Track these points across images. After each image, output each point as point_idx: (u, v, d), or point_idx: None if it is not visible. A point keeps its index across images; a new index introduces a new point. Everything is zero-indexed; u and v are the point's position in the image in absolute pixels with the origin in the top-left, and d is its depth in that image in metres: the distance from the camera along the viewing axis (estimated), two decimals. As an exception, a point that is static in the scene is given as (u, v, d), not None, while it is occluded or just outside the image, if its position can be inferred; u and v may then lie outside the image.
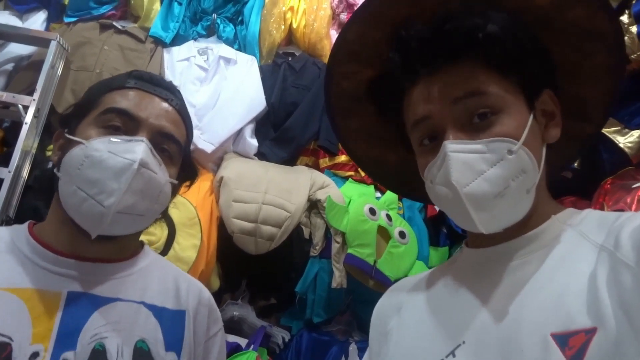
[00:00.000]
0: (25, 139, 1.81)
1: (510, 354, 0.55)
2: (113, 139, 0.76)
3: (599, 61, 0.69)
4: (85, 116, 0.81)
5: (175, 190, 0.88)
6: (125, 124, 0.79)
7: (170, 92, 0.86)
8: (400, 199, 2.18)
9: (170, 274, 0.92)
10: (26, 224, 0.82)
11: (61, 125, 0.84)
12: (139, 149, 0.76)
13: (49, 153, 1.88)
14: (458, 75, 0.64)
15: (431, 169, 0.66)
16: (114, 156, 0.74)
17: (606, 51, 0.68)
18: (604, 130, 1.46)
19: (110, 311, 0.77)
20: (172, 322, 0.84)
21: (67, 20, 2.30)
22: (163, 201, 0.82)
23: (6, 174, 1.74)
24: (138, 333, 0.78)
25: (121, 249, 0.84)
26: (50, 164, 0.87)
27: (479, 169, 0.60)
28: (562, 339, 0.51)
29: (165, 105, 0.84)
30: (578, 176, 1.54)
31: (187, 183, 0.94)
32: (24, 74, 2.13)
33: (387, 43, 0.72)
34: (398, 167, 0.87)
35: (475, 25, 0.64)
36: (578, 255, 0.58)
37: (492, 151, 0.61)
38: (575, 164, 1.53)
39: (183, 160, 0.88)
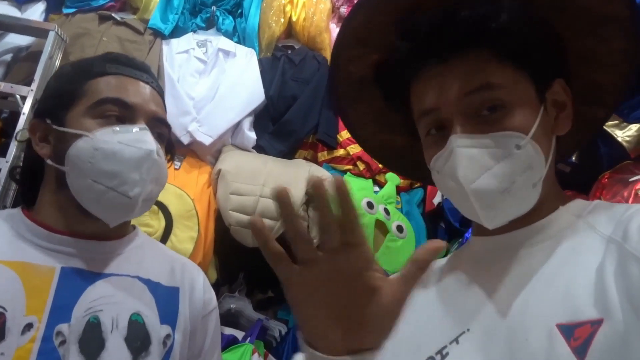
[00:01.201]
0: (23, 130, 1.80)
1: (515, 343, 0.55)
2: (116, 128, 0.78)
3: (616, 46, 0.67)
4: (72, 106, 0.80)
5: None
6: (122, 113, 0.80)
7: (149, 75, 0.88)
8: (398, 194, 2.18)
9: (164, 253, 0.94)
10: (19, 207, 0.84)
11: (40, 116, 0.83)
12: (149, 138, 0.79)
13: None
14: (469, 67, 0.63)
15: (438, 160, 0.65)
16: (127, 147, 0.76)
17: (623, 36, 0.66)
18: (603, 124, 1.46)
19: (105, 285, 0.79)
20: (166, 296, 0.85)
21: (66, 11, 2.28)
22: (165, 182, 0.86)
23: (4, 164, 1.74)
24: (133, 306, 0.79)
25: (116, 228, 0.85)
26: (21, 154, 0.88)
27: (485, 164, 0.60)
28: (568, 330, 0.50)
29: (149, 88, 0.86)
30: (576, 170, 1.54)
31: (167, 157, 0.95)
32: (22, 65, 2.12)
33: (394, 28, 0.70)
34: (405, 151, 0.86)
35: (487, 14, 0.62)
36: (586, 247, 0.57)
37: (500, 146, 0.60)
38: (574, 158, 1.53)
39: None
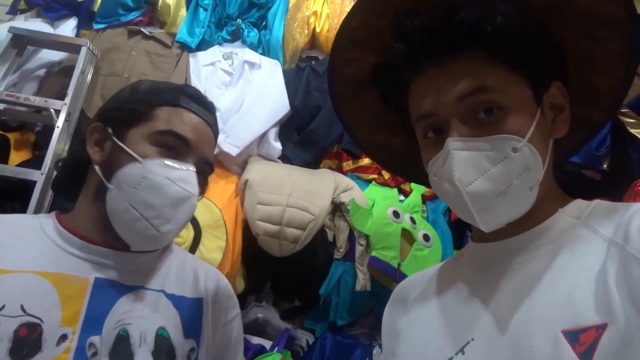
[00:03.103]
0: (57, 143, 1.86)
1: (520, 350, 0.54)
2: (168, 162, 0.80)
3: (612, 48, 0.67)
4: (136, 125, 0.82)
5: None
6: (179, 148, 0.83)
7: (213, 115, 0.91)
8: (424, 202, 2.17)
9: (188, 263, 0.95)
10: (53, 213, 0.85)
11: (103, 121, 0.85)
12: (194, 180, 0.82)
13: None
14: (464, 70, 0.62)
15: (435, 163, 0.66)
16: (172, 184, 0.78)
17: (619, 37, 0.66)
18: (633, 131, 1.43)
19: (134, 298, 0.80)
20: (190, 310, 0.87)
21: (96, 26, 2.35)
22: (193, 213, 0.87)
23: (39, 176, 1.79)
24: (159, 321, 0.81)
25: None
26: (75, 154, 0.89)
27: (482, 167, 0.60)
28: (573, 336, 0.50)
29: (210, 131, 0.89)
30: (607, 178, 1.52)
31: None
32: (55, 79, 2.18)
33: (391, 31, 0.70)
34: (402, 152, 0.86)
35: (481, 17, 0.62)
36: (587, 250, 0.57)
37: (496, 149, 0.60)
38: (605, 165, 1.50)
39: None
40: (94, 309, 0.75)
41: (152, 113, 0.83)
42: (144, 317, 0.79)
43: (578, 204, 0.65)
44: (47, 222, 0.82)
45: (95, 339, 0.73)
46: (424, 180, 0.81)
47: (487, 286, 0.65)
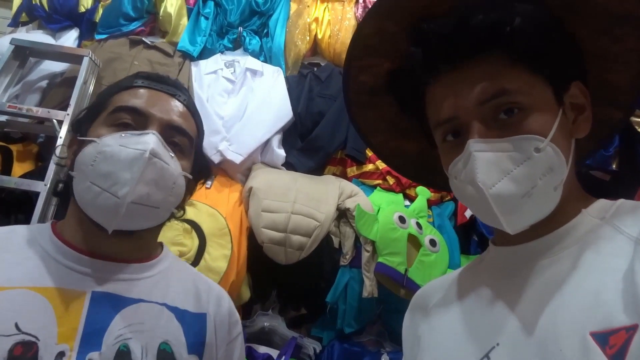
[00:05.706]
0: (60, 153, 1.85)
1: (548, 354, 0.53)
2: (123, 134, 0.77)
3: (630, 45, 0.66)
4: (96, 118, 0.82)
5: (191, 187, 0.89)
6: (135, 121, 0.80)
7: (177, 89, 0.88)
8: (429, 207, 2.16)
9: (189, 276, 0.92)
10: (49, 223, 0.83)
11: (74, 131, 0.85)
12: (149, 139, 0.77)
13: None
14: (483, 73, 0.62)
15: (456, 166, 0.65)
16: (125, 148, 0.75)
17: (636, 35, 0.65)
18: (643, 131, 1.42)
19: (134, 312, 0.77)
20: (193, 324, 0.84)
21: (98, 37, 2.36)
22: (177, 193, 0.82)
23: (42, 187, 1.78)
24: (161, 335, 0.78)
25: (140, 247, 0.85)
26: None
27: (505, 168, 0.59)
28: (602, 338, 0.49)
29: (172, 100, 0.85)
30: (616, 179, 1.50)
31: (202, 181, 0.95)
32: (57, 90, 2.18)
33: (405, 36, 0.70)
34: (418, 157, 0.86)
35: (500, 19, 0.61)
36: (612, 250, 0.56)
37: (519, 149, 0.59)
38: (614, 166, 1.49)
39: (196, 156, 0.89)
40: (92, 324, 0.72)
41: (109, 102, 0.82)
42: (145, 331, 0.76)
43: (602, 204, 0.64)
44: (42, 233, 0.80)
45: (94, 355, 0.71)
46: (442, 185, 0.80)
47: (511, 290, 0.64)
